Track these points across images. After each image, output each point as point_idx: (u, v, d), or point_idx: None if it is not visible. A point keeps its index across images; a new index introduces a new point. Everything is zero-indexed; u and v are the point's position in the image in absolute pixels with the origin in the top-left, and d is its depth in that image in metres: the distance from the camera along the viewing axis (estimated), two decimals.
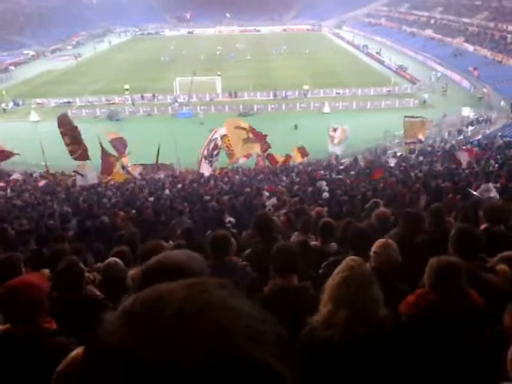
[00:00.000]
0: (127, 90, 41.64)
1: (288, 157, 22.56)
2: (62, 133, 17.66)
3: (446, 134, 29.57)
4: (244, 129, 19.43)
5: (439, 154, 22.49)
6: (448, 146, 25.44)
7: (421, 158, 21.74)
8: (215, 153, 19.39)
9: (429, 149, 25.33)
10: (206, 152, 19.22)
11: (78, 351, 1.97)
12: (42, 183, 19.64)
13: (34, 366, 2.28)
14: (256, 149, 20.12)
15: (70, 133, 17.63)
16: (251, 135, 19.46)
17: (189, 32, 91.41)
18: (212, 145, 19.16)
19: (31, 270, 4.38)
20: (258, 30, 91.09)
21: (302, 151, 23.07)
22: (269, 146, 20.42)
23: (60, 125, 17.66)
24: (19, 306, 2.43)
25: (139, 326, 0.54)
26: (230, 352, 0.51)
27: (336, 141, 23.69)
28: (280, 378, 0.53)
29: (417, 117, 20.86)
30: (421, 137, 21.51)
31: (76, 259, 3.58)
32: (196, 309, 0.55)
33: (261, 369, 0.52)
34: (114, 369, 0.51)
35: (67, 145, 17.73)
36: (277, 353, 0.55)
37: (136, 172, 21.49)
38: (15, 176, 21.76)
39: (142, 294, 0.58)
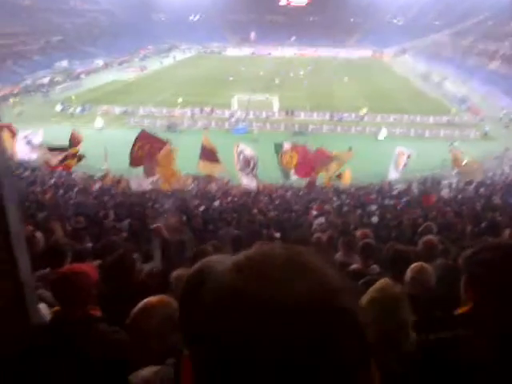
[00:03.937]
0: (180, 103, 43.04)
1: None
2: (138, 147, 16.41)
3: (507, 168, 28.31)
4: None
5: (498, 187, 21.52)
6: (509, 179, 24.32)
7: (481, 190, 20.91)
8: (251, 166, 19.54)
9: (488, 181, 24.33)
10: (238, 166, 19.54)
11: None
12: (97, 185, 20.39)
13: (78, 349, 2.40)
14: None
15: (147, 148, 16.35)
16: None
17: (252, 53, 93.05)
18: (241, 157, 19.42)
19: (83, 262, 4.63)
20: (337, 54, 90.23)
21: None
22: None
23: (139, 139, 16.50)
24: (71, 293, 2.57)
25: (251, 274, 0.62)
26: (333, 303, 0.60)
27: (401, 166, 22.80)
28: (365, 327, 0.63)
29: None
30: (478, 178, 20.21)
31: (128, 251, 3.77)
32: (300, 266, 0.63)
33: (355, 319, 0.61)
34: (231, 308, 0.59)
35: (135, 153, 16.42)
36: (360, 308, 0.65)
37: (188, 182, 22.10)
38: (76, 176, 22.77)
39: (248, 253, 0.67)
